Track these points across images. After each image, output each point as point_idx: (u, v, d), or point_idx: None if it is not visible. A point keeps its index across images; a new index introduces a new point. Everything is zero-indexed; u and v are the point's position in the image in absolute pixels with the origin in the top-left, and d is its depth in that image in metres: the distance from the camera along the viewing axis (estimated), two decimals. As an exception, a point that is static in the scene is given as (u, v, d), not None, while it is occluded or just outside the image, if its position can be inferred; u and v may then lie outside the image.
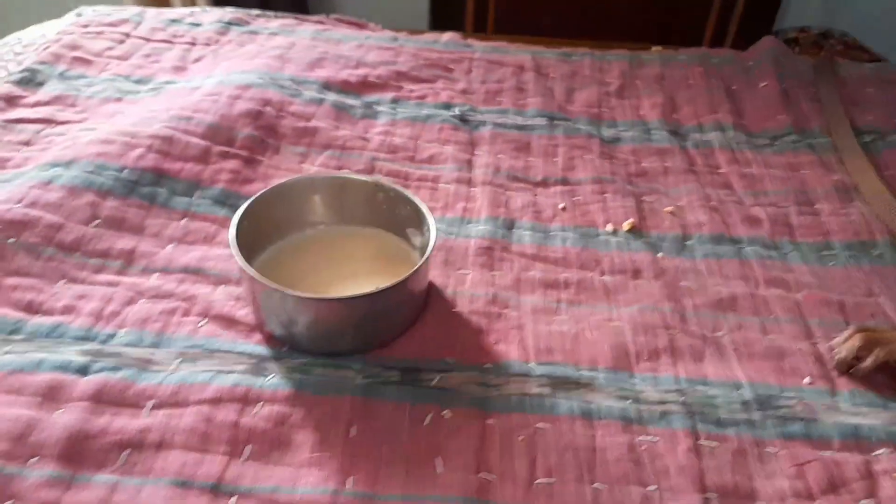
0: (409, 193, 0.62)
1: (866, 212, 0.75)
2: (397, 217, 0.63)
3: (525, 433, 0.51)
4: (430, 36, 1.10)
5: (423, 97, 0.92)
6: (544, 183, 0.79)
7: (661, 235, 0.72)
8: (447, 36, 1.10)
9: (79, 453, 0.46)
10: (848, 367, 0.57)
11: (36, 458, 0.46)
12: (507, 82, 0.97)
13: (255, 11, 1.15)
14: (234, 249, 0.55)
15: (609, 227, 0.72)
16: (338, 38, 1.06)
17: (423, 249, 0.60)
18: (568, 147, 0.85)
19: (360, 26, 1.16)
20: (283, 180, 0.64)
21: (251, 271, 0.53)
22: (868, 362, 0.56)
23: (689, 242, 0.71)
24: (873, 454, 0.51)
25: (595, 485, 0.48)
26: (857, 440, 0.52)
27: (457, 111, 0.89)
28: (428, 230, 0.59)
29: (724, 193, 0.79)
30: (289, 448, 0.49)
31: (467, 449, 0.49)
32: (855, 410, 0.54)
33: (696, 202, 0.77)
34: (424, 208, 0.60)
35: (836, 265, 0.69)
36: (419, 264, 0.55)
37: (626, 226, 0.72)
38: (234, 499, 0.45)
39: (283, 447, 0.49)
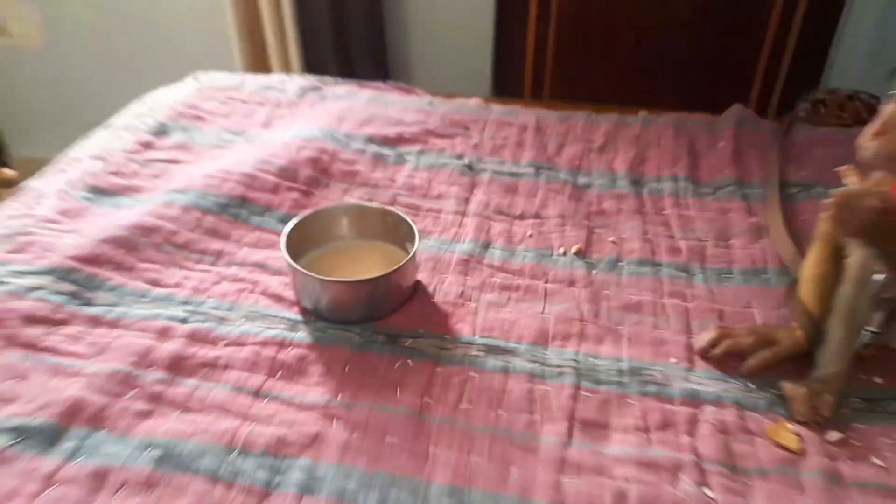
0: (407, 217, 0.88)
1: (768, 247, 0.95)
2: (399, 234, 0.89)
3: (460, 378, 0.75)
4: (460, 101, 1.37)
5: (442, 149, 1.19)
6: (521, 216, 1.03)
7: (600, 258, 0.95)
8: (473, 101, 1.37)
9: (177, 366, 0.74)
10: (705, 352, 0.78)
11: (153, 367, 0.74)
12: (511, 138, 1.22)
13: (329, 79, 1.46)
14: (284, 250, 0.82)
15: (560, 250, 0.96)
16: (387, 101, 1.35)
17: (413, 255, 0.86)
18: (546, 190, 1.09)
19: (408, 91, 1.45)
20: (321, 207, 0.92)
21: (292, 263, 0.80)
22: (718, 349, 0.77)
23: (620, 264, 0.94)
24: (702, 409, 0.72)
25: (499, 411, 0.71)
26: (693, 399, 0.73)
27: (466, 161, 1.15)
28: (416, 242, 0.85)
29: (661, 230, 1.00)
30: (304, 375, 0.75)
31: (419, 383, 0.74)
32: (701, 381, 0.75)
33: (635, 235, 0.99)
34: (415, 228, 0.86)
35: (730, 285, 0.90)
36: (403, 262, 0.80)
37: (573, 249, 0.96)
38: (266, 400, 0.71)
39: (302, 374, 0.75)
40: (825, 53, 2.13)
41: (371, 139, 1.19)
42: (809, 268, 0.79)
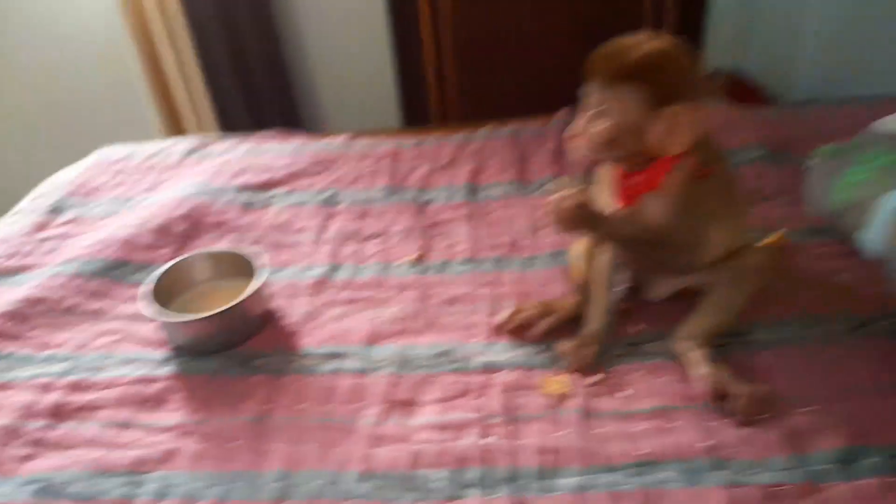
0: (251, 256, 1.02)
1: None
2: (251, 271, 1.03)
3: (298, 385, 0.89)
4: (328, 140, 1.51)
5: (306, 187, 1.33)
6: (370, 237, 1.18)
7: (433, 263, 1.09)
8: (339, 139, 1.52)
9: (57, 414, 0.87)
10: (501, 329, 0.93)
11: (35, 418, 0.87)
12: (367, 168, 1.37)
13: (213, 136, 1.60)
14: (141, 301, 0.96)
15: (399, 261, 1.10)
16: (262, 150, 1.49)
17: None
18: (394, 211, 1.23)
19: (287, 137, 1.59)
20: (181, 257, 1.06)
21: (149, 310, 0.94)
22: (510, 324, 0.92)
23: (448, 265, 1.09)
24: (494, 375, 0.86)
25: (328, 405, 0.85)
26: (488, 369, 0.87)
27: (326, 194, 1.30)
28: (261, 276, 0.99)
29: (486, 230, 1.15)
30: (166, 403, 0.88)
31: (263, 395, 0.87)
32: (497, 353, 0.90)
33: (464, 238, 1.14)
34: (259, 264, 1.00)
35: (537, 269, 1.05)
36: (242, 297, 0.94)
37: (412, 259, 1.10)
38: (131, 429, 0.85)
39: (163, 402, 0.88)
40: (699, 34, 2.32)
41: (242, 188, 1.33)
42: (576, 243, 0.94)
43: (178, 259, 1.05)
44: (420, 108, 2.50)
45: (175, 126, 2.31)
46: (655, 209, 0.81)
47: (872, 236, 0.88)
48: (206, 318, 0.93)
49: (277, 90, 2.34)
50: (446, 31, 2.35)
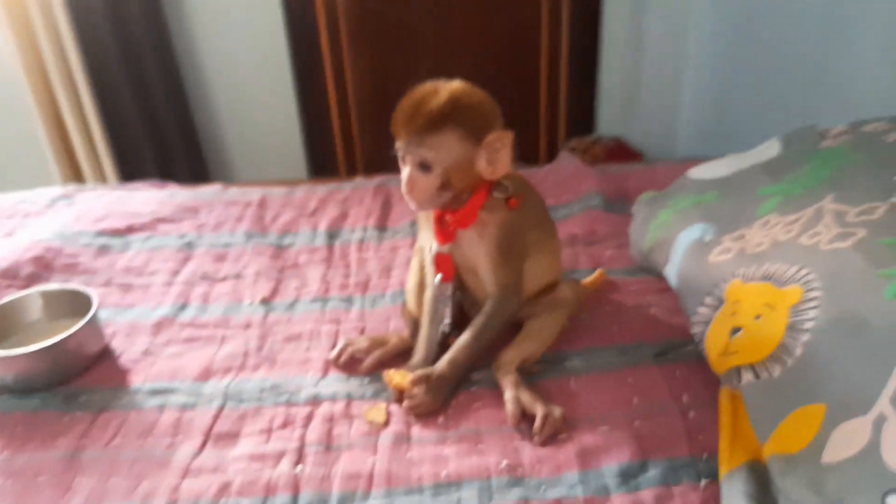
0: (92, 293, 1.00)
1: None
2: (88, 306, 1.01)
3: (119, 420, 0.86)
4: (201, 189, 1.52)
5: (168, 233, 1.32)
6: (223, 278, 1.18)
7: (281, 302, 1.10)
8: (212, 188, 1.52)
9: None
10: (334, 362, 0.94)
11: None
12: (233, 215, 1.38)
13: (73, 186, 1.57)
14: (-35, 337, 0.92)
15: (248, 301, 1.10)
16: (131, 198, 1.47)
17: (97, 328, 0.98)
18: (251, 254, 1.24)
19: (161, 186, 1.59)
20: (13, 295, 1.03)
21: (-32, 347, 0.90)
22: (342, 358, 0.93)
23: (295, 304, 1.09)
24: (319, 407, 0.86)
25: (147, 440, 0.83)
26: (315, 401, 0.87)
27: (186, 239, 1.29)
28: (92, 312, 0.96)
29: (340, 272, 1.17)
30: (-25, 441, 0.84)
31: (80, 431, 0.84)
32: (326, 386, 0.90)
33: (316, 279, 1.15)
34: (94, 300, 0.98)
35: (382, 307, 1.07)
36: (69, 332, 0.92)
37: (259, 298, 1.10)
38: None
39: (-27, 441, 0.84)
40: (592, 108, 2.52)
41: (101, 232, 1.31)
42: (410, 279, 0.97)
43: (8, 298, 1.02)
44: (327, 162, 2.55)
45: (76, 176, 2.26)
46: (497, 286, 0.86)
47: (672, 271, 0.95)
48: (27, 354, 0.90)
49: (186, 145, 2.33)
50: (350, 87, 2.44)
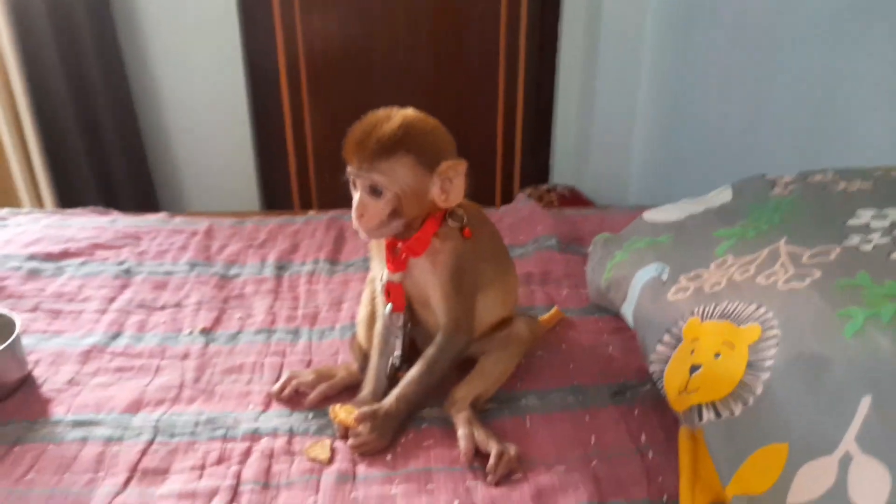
0: (14, 317, 0.92)
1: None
2: (10, 333, 0.92)
3: (35, 453, 0.78)
4: (144, 217, 1.45)
5: (105, 259, 1.25)
6: (162, 307, 1.11)
7: (223, 332, 1.04)
8: (157, 216, 1.46)
9: None
10: (277, 395, 0.88)
11: None
12: (177, 244, 1.31)
13: (7, 210, 1.48)
14: None
15: (187, 331, 1.04)
16: (69, 224, 1.40)
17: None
18: (194, 283, 1.18)
19: (105, 213, 1.51)
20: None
21: None
22: (286, 391, 0.87)
23: (238, 335, 1.03)
24: (258, 442, 0.80)
25: (65, 475, 0.75)
26: (254, 435, 0.81)
27: (124, 266, 1.22)
28: (13, 336, 0.88)
29: (288, 303, 1.12)
30: None
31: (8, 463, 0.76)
32: (267, 420, 0.84)
33: (263, 310, 1.09)
34: (18, 323, 0.90)
35: (330, 340, 1.02)
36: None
37: (198, 329, 1.04)
38: None
39: None
40: (547, 159, 2.57)
41: (32, 256, 1.23)
42: (361, 310, 0.93)
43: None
44: (280, 197, 2.51)
45: (8, 198, 2.14)
46: (449, 318, 0.83)
47: (628, 309, 0.93)
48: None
49: (133, 174, 2.25)
50: (308, 122, 2.42)
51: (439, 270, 0.83)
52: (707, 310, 0.78)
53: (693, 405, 0.71)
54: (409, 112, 0.79)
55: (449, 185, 0.79)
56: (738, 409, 0.66)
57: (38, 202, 2.19)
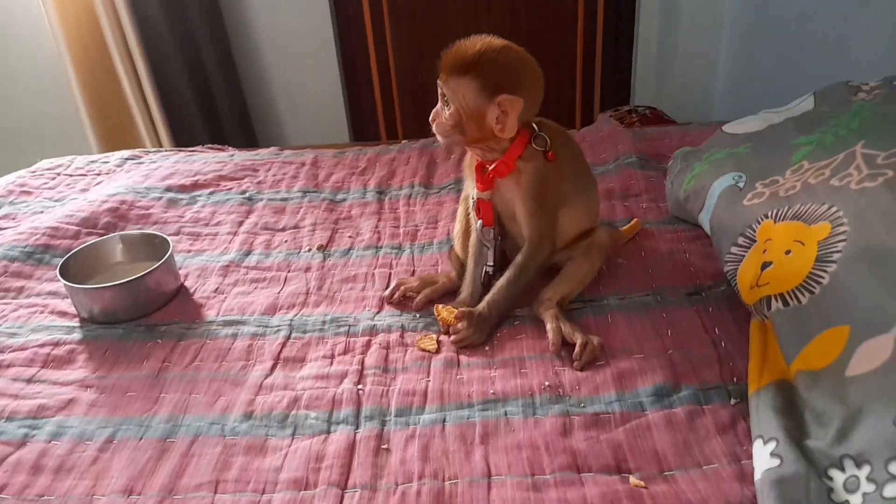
0: (165, 236, 1.07)
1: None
2: (166, 251, 1.08)
3: (196, 346, 0.93)
4: (257, 151, 1.59)
5: (230, 189, 1.39)
6: (282, 229, 1.24)
7: (337, 249, 1.16)
8: (268, 150, 1.59)
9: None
10: (388, 299, 0.99)
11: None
12: (289, 174, 1.44)
13: (151, 149, 1.65)
14: (58, 273, 1.00)
15: (306, 248, 1.17)
16: (194, 159, 1.55)
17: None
18: (307, 208, 1.30)
19: (221, 149, 1.66)
20: (97, 239, 1.11)
21: (62, 279, 0.98)
22: (395, 295, 0.99)
23: (350, 251, 1.15)
24: (376, 336, 0.92)
25: (222, 363, 0.90)
26: (371, 331, 0.93)
27: (247, 195, 1.36)
28: (169, 252, 1.04)
29: (389, 223, 1.23)
30: (71, 362, 0.91)
31: (162, 355, 0.92)
32: (382, 319, 0.96)
33: (368, 229, 1.21)
34: (171, 242, 1.06)
35: (430, 253, 1.12)
36: (152, 268, 0.99)
37: (315, 246, 1.17)
38: (36, 384, 0.88)
39: (69, 362, 0.91)
40: (628, 80, 2.55)
41: (169, 188, 1.38)
42: (456, 225, 1.02)
43: (92, 241, 1.10)
44: (369, 130, 2.62)
45: (127, 140, 2.35)
46: (533, 232, 0.90)
47: (706, 217, 0.98)
48: (112, 287, 0.98)
49: (235, 111, 2.41)
50: (391, 57, 2.49)
51: (523, 189, 0.90)
52: (780, 212, 0.82)
53: (763, 297, 0.77)
54: (496, 42, 0.85)
55: (504, 117, 0.85)
56: (804, 299, 0.72)
57: (158, 142, 2.39)
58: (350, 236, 1.20)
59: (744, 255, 0.84)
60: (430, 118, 0.88)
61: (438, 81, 0.87)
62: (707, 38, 2.22)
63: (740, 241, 0.86)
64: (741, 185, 0.92)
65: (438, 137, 0.89)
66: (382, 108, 2.59)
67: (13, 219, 1.32)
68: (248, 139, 2.42)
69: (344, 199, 1.33)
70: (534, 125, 0.88)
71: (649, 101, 2.49)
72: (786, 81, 1.78)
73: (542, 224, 0.91)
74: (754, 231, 0.84)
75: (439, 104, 0.88)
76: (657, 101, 2.46)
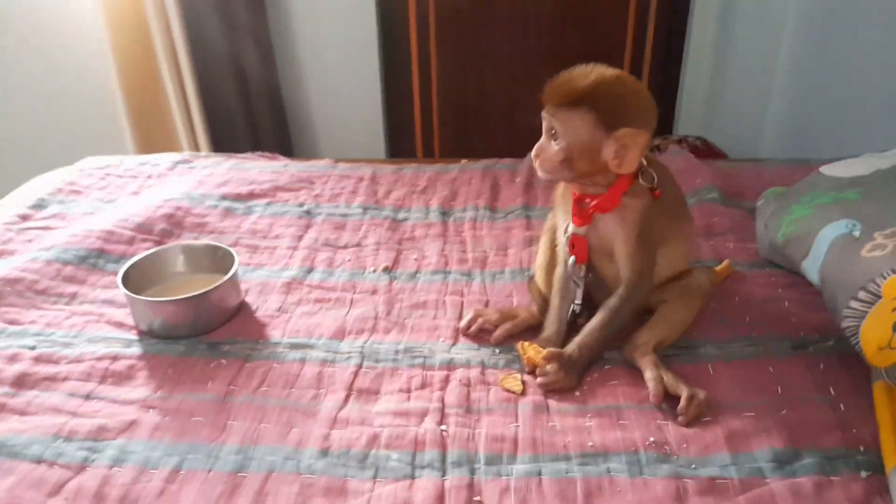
0: (230, 249, 1.02)
1: (535, 252, 1.12)
2: (227, 265, 1.02)
3: (263, 369, 0.87)
4: (312, 162, 1.54)
5: (287, 200, 1.34)
6: (344, 246, 1.19)
7: (403, 271, 1.10)
8: (323, 161, 1.54)
9: (21, 382, 0.85)
10: (464, 331, 0.93)
11: (-2, 384, 0.84)
12: (347, 188, 1.39)
13: (201, 154, 1.61)
14: (119, 281, 0.95)
15: (371, 269, 1.11)
16: (248, 167, 1.50)
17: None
18: (369, 225, 1.25)
19: (272, 158, 1.61)
20: (158, 248, 1.05)
21: (124, 290, 0.93)
22: (473, 327, 0.93)
23: (417, 274, 1.10)
24: (454, 371, 0.86)
25: (291, 390, 0.84)
26: (449, 365, 0.87)
27: (305, 208, 1.31)
28: (234, 266, 0.98)
29: (456, 247, 1.17)
30: (131, 379, 0.86)
31: (228, 376, 0.86)
32: (459, 352, 0.90)
33: (435, 252, 1.15)
34: (236, 256, 1.00)
35: (501, 283, 1.06)
36: (217, 283, 0.94)
37: (381, 267, 1.11)
38: (94, 400, 0.82)
39: (128, 378, 0.86)
40: (673, 107, 2.49)
41: (224, 196, 1.34)
42: (539, 257, 0.96)
43: (154, 249, 1.05)
44: (405, 146, 2.57)
45: (166, 144, 2.32)
46: (633, 271, 0.85)
47: (811, 265, 0.91)
48: (175, 301, 0.92)
49: (274, 119, 2.37)
50: (434, 76, 2.44)
51: (628, 227, 0.84)
52: (909, 268, 0.76)
53: (898, 361, 0.70)
54: (610, 72, 0.79)
55: (623, 151, 0.79)
56: (952, 367, 0.65)
57: (195, 146, 2.36)
58: (416, 259, 1.14)
59: (866, 311, 0.77)
60: (534, 153, 0.82)
61: (544, 114, 0.81)
62: (762, 72, 2.17)
63: (861, 295, 0.79)
64: (857, 233, 0.86)
65: (541, 174, 0.83)
66: (421, 126, 2.54)
67: (63, 218, 1.28)
68: (283, 148, 2.38)
69: (406, 219, 1.28)
70: (642, 159, 0.83)
71: (694, 131, 2.44)
72: (850, 122, 1.71)
73: (642, 264, 0.85)
74: (878, 286, 0.77)
75: (543, 138, 0.82)
76: (703, 130, 2.40)
